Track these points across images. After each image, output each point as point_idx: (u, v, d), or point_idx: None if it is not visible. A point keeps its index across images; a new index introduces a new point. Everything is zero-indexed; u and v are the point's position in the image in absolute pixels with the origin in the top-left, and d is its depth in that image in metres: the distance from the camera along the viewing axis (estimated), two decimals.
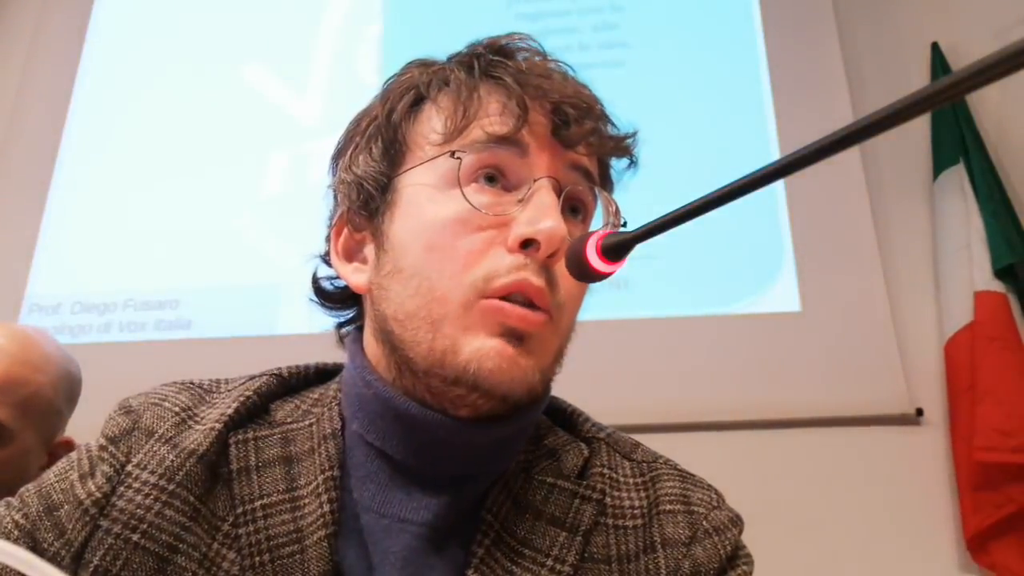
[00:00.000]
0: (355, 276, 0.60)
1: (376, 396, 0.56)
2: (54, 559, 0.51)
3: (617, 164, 0.65)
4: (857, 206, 2.04)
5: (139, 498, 0.53)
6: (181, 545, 0.52)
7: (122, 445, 0.55)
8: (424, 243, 0.55)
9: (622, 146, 0.62)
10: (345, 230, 0.62)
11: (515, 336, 0.52)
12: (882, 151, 2.07)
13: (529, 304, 0.53)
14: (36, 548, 0.51)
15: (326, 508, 0.54)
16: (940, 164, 2.03)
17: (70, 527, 0.52)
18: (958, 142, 2.02)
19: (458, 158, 0.55)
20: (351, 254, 0.62)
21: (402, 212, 0.57)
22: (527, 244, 0.53)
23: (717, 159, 2.04)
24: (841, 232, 2.02)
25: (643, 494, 0.59)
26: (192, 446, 0.55)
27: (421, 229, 0.55)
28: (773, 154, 2.06)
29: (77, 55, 2.45)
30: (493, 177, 0.55)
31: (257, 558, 0.52)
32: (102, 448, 0.56)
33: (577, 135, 0.57)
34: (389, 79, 0.64)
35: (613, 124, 0.61)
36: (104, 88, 2.42)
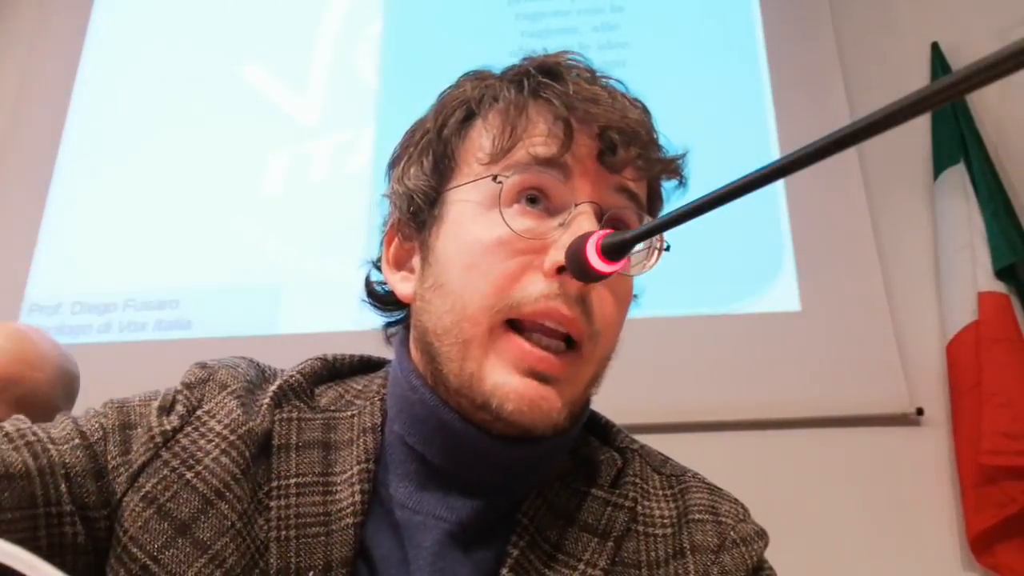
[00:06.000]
0: (402, 285, 0.62)
1: (421, 402, 0.58)
2: (112, 471, 0.54)
3: (667, 183, 0.66)
4: (857, 206, 2.04)
5: (202, 442, 0.55)
6: (228, 493, 0.54)
7: (196, 391, 0.59)
8: (464, 262, 0.56)
9: (670, 168, 0.62)
10: (396, 239, 0.64)
11: (540, 376, 0.53)
12: (882, 151, 2.07)
13: (559, 335, 0.54)
14: (103, 454, 0.55)
15: (357, 498, 0.56)
16: (941, 164, 2.03)
17: (135, 448, 0.55)
18: (958, 142, 2.02)
19: (499, 182, 0.56)
20: (400, 263, 0.63)
21: (448, 228, 0.58)
22: (563, 270, 0.53)
23: (717, 159, 2.03)
24: (841, 232, 2.02)
25: (672, 504, 0.61)
26: (251, 416, 0.58)
27: (463, 248, 0.56)
28: (773, 154, 2.06)
29: (77, 55, 2.46)
30: (536, 199, 0.56)
31: (284, 532, 0.54)
32: (178, 392, 0.59)
33: (623, 161, 0.57)
34: (444, 91, 0.64)
35: (661, 146, 0.61)
36: (104, 88, 2.42)
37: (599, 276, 0.49)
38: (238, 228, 2.20)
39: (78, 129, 2.37)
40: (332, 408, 0.61)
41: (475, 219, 0.57)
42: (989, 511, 1.69)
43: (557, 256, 0.52)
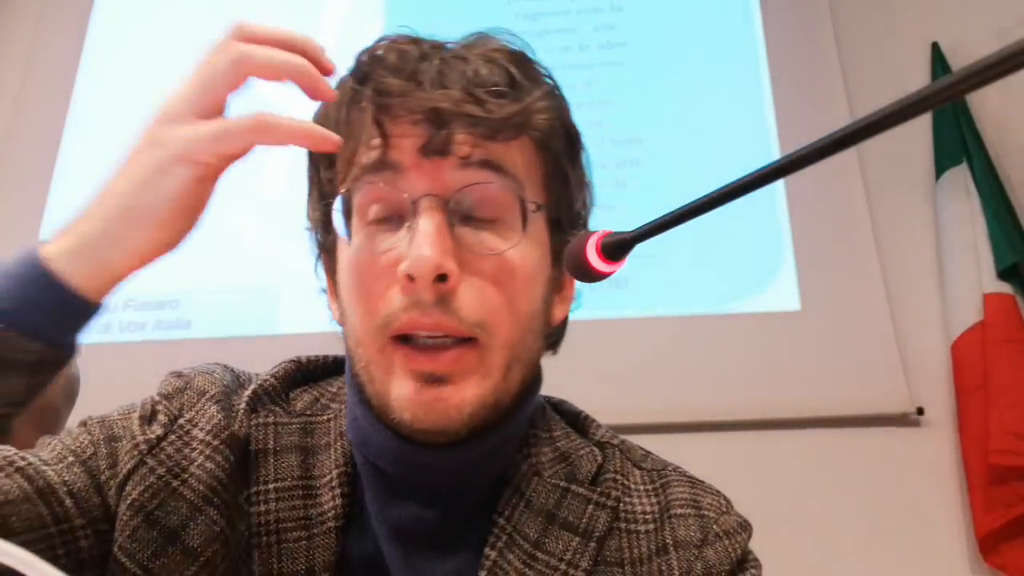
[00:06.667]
0: (336, 312, 0.61)
1: (363, 416, 0.57)
2: (105, 485, 0.53)
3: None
4: (857, 205, 2.04)
5: (186, 450, 0.55)
6: (215, 498, 0.54)
7: (175, 401, 0.58)
8: (347, 289, 0.56)
9: (511, 124, 0.54)
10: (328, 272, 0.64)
11: (431, 378, 0.52)
12: (882, 151, 2.07)
13: (436, 338, 0.52)
14: (95, 470, 0.54)
15: (338, 502, 0.55)
16: (942, 164, 2.03)
17: (121, 458, 0.54)
18: (960, 142, 2.02)
19: (341, 207, 0.55)
20: (334, 292, 0.62)
21: (338, 256, 0.58)
22: (414, 278, 0.51)
23: (717, 159, 2.04)
24: (841, 231, 2.02)
25: (654, 500, 0.60)
26: (231, 423, 0.57)
27: (344, 276, 0.57)
28: (773, 154, 2.06)
29: (77, 55, 2.45)
30: (385, 213, 0.54)
31: (264, 538, 0.54)
32: (157, 402, 0.58)
33: (445, 140, 0.52)
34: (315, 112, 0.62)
35: (514, 95, 0.54)
36: (104, 88, 2.42)
37: (600, 276, 0.48)
38: (238, 228, 2.20)
39: (78, 129, 2.37)
40: (308, 412, 0.60)
41: (343, 250, 0.56)
42: (997, 511, 1.69)
43: (404, 267, 0.50)
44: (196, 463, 0.54)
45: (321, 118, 0.59)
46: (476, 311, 0.52)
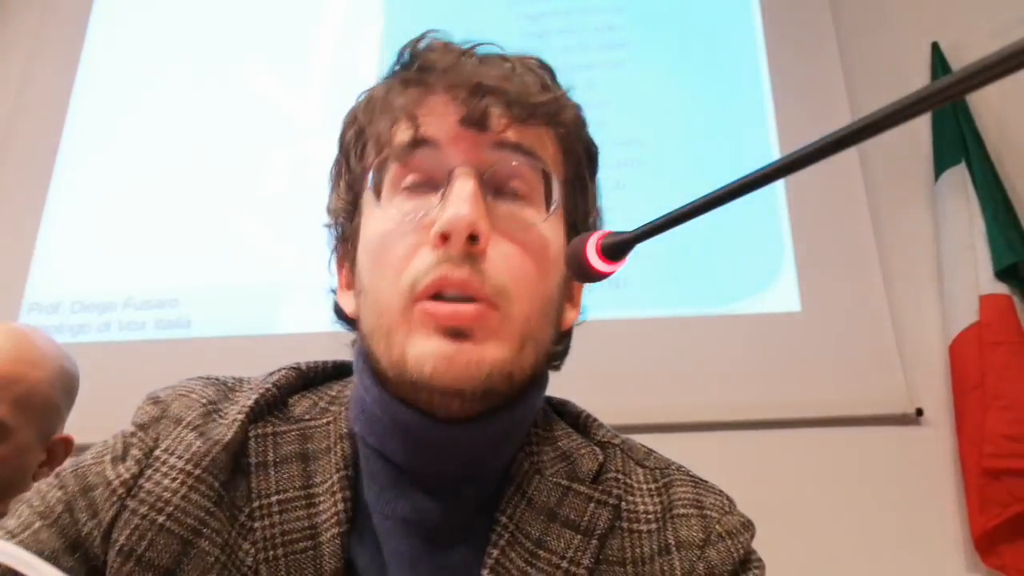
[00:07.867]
0: (350, 304, 0.62)
1: (373, 400, 0.57)
2: (87, 538, 0.53)
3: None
4: (857, 206, 2.04)
5: (166, 481, 0.54)
6: (205, 529, 0.53)
7: (151, 431, 0.57)
8: (371, 260, 0.57)
9: (543, 112, 0.59)
10: (344, 262, 0.65)
11: (453, 332, 0.53)
12: (882, 151, 2.08)
13: (461, 298, 0.53)
14: (71, 525, 0.53)
15: (340, 507, 0.55)
16: (942, 164, 2.03)
17: (101, 507, 0.54)
18: (959, 142, 2.02)
19: (379, 178, 0.58)
20: (350, 283, 0.63)
21: (361, 237, 0.60)
22: (447, 237, 0.53)
23: (717, 159, 2.04)
24: (841, 232, 2.02)
25: (657, 499, 0.60)
26: (217, 437, 0.56)
27: (368, 248, 0.58)
28: (773, 154, 2.06)
29: (77, 55, 2.46)
30: (418, 183, 0.56)
31: (271, 552, 0.54)
32: (131, 434, 0.57)
33: (483, 117, 0.56)
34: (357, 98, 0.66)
35: (548, 93, 0.59)
36: (104, 88, 2.42)
37: (599, 276, 0.48)
38: (238, 228, 2.20)
39: (78, 129, 2.37)
40: (307, 417, 0.60)
41: (372, 217, 0.58)
42: (994, 510, 1.69)
43: (438, 227, 0.52)
44: (179, 494, 0.53)
45: (364, 103, 0.63)
46: (502, 273, 0.54)
